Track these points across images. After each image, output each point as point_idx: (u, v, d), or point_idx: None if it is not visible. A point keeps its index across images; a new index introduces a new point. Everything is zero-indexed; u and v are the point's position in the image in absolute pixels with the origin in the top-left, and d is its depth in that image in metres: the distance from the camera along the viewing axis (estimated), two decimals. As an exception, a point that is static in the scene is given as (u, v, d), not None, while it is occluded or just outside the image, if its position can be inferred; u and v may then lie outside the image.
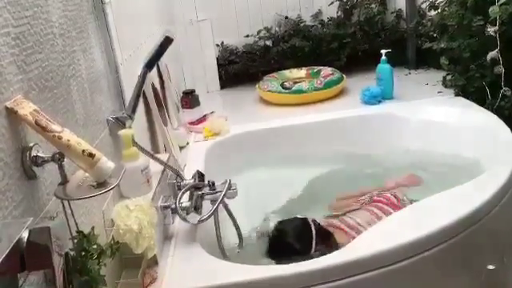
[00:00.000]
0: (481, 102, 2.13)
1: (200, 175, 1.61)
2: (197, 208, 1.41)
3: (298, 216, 1.64)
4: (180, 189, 1.53)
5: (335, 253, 1.30)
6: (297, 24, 3.04)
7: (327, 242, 1.53)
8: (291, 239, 1.53)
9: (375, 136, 2.23)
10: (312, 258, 1.33)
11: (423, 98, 2.36)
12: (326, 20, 3.07)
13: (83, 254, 0.87)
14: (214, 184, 1.51)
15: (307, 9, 3.08)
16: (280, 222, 1.63)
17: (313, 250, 1.50)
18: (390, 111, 2.30)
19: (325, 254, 1.32)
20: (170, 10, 2.79)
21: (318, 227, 1.58)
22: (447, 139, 2.07)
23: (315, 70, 2.78)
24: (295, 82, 2.60)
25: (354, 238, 1.50)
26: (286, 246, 1.53)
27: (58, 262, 0.70)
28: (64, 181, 0.86)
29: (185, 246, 1.40)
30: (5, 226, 0.68)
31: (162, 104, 1.88)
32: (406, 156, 2.11)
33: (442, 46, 2.24)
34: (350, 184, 1.97)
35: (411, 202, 1.70)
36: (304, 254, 1.46)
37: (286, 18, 3.06)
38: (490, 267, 1.44)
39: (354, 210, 1.73)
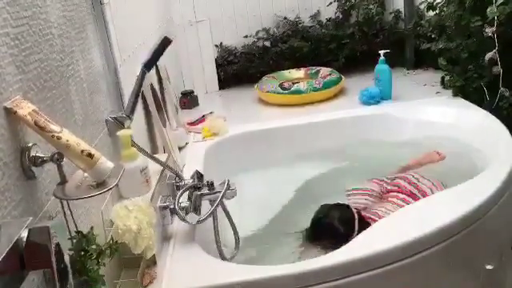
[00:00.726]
0: (479, 102, 2.13)
1: (199, 175, 1.61)
2: (196, 208, 1.42)
3: (339, 202, 1.66)
4: (179, 189, 1.53)
5: (334, 252, 1.31)
6: (295, 25, 3.04)
7: (366, 228, 1.53)
8: (337, 222, 1.55)
9: (373, 136, 2.23)
10: None
11: (422, 99, 2.37)
12: (325, 21, 3.08)
13: (82, 253, 0.87)
14: (212, 184, 1.51)
15: (306, 10, 3.09)
16: (324, 206, 1.64)
17: (354, 235, 1.50)
18: (388, 112, 2.30)
19: None
20: (168, 10, 2.79)
21: (358, 213, 1.60)
22: (445, 139, 2.07)
23: (314, 71, 2.78)
24: (294, 83, 2.60)
25: None
26: (332, 228, 1.55)
27: (55, 260, 0.70)
28: (63, 181, 0.86)
29: (184, 246, 1.40)
30: (4, 226, 0.67)
31: (160, 105, 1.88)
32: (404, 156, 2.11)
33: (441, 46, 2.25)
34: (350, 184, 1.97)
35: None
36: (346, 238, 1.46)
37: (285, 18, 3.06)
38: (489, 267, 1.44)
39: (383, 202, 1.76)
